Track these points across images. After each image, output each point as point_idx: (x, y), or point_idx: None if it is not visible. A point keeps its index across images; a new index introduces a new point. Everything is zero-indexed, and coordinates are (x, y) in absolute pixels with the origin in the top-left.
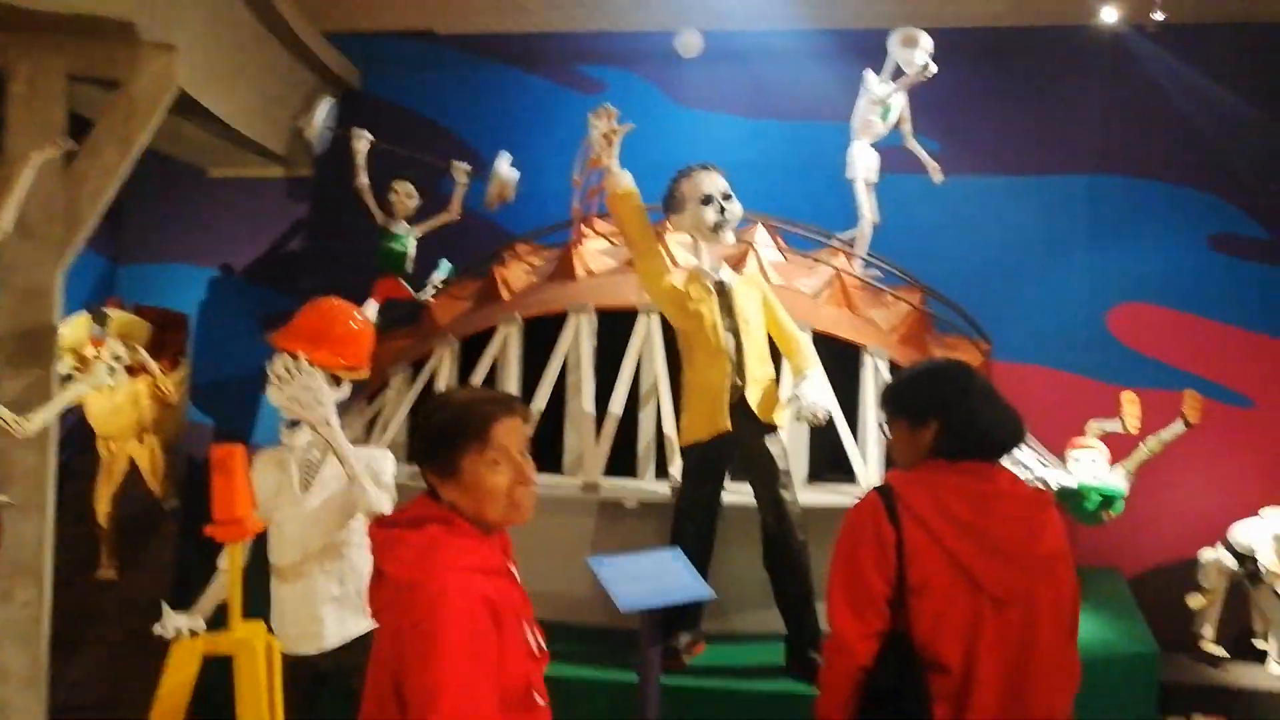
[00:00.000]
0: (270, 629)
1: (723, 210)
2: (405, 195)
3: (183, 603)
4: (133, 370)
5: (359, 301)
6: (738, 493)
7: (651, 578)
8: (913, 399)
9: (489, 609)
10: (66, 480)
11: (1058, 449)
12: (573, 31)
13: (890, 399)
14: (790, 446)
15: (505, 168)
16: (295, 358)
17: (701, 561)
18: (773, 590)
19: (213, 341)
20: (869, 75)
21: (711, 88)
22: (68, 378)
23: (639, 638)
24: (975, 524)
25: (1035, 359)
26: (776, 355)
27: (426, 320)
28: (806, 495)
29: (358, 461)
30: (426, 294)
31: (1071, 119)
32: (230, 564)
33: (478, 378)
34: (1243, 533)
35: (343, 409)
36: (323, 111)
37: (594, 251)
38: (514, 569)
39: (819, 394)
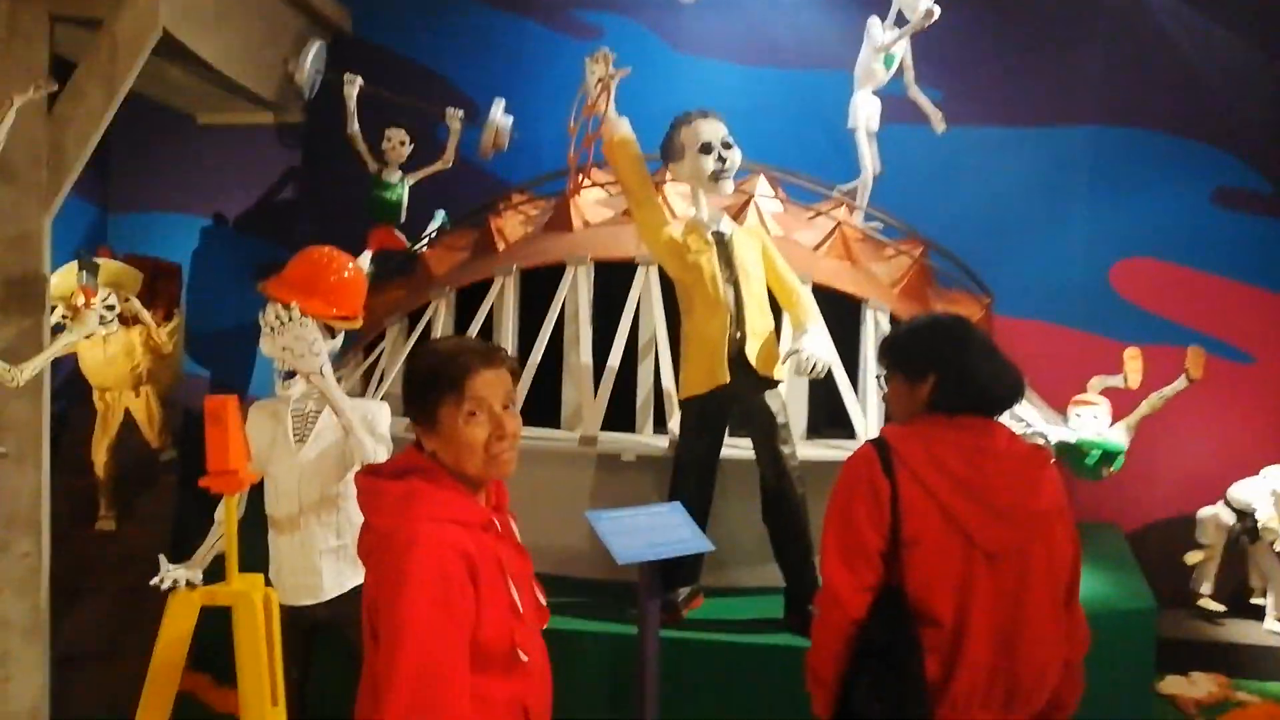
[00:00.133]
0: (268, 581)
1: (722, 159)
2: (398, 142)
3: (182, 554)
4: (125, 320)
5: (353, 251)
6: (737, 446)
7: (649, 531)
8: (910, 353)
9: (463, 561)
10: (64, 432)
11: (1059, 405)
12: None
13: (888, 352)
14: (790, 400)
15: (499, 115)
16: (287, 307)
17: (700, 515)
18: (771, 544)
19: (207, 292)
20: (874, 21)
21: (710, 34)
22: (59, 327)
23: (637, 591)
24: (969, 478)
25: (1037, 314)
26: (777, 309)
27: (422, 271)
28: (806, 450)
29: (353, 412)
30: (422, 244)
31: (1075, 69)
32: (226, 516)
33: (474, 330)
34: (1242, 490)
35: (339, 361)
36: (312, 55)
37: (591, 202)
38: (512, 524)
39: (819, 347)
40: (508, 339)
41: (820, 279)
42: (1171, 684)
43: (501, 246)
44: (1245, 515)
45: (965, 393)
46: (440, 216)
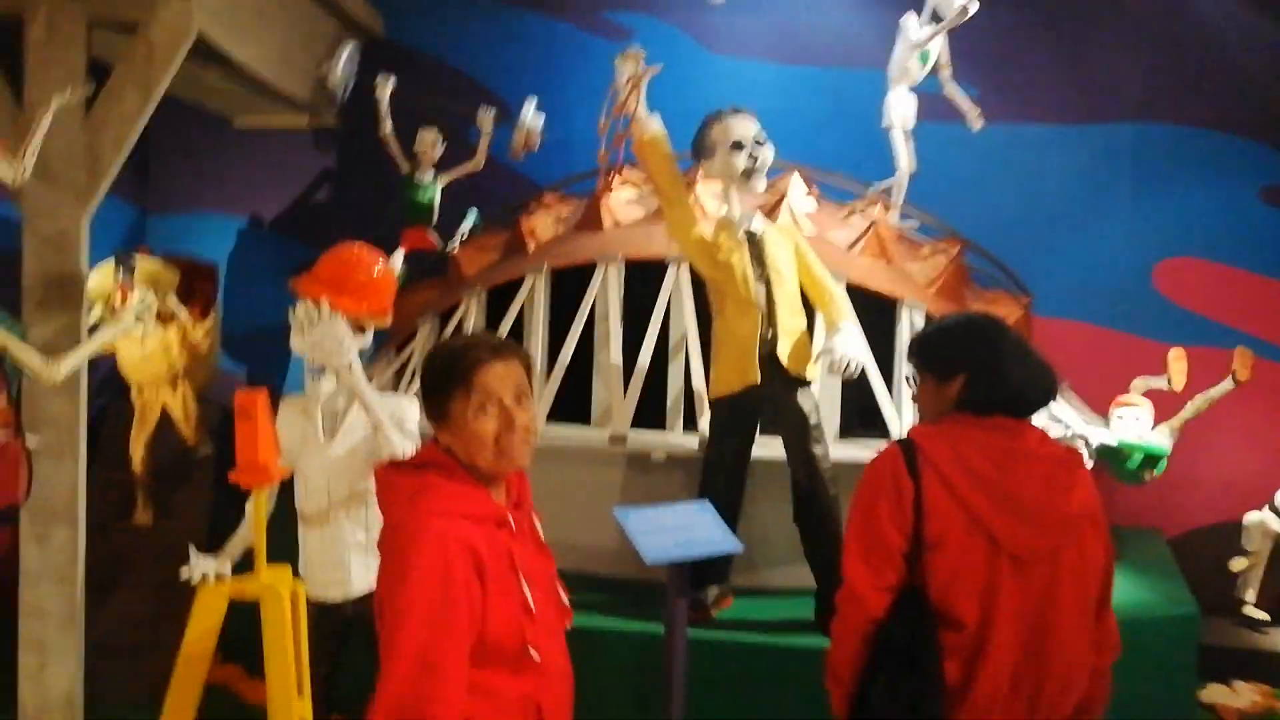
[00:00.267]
0: (297, 575)
1: (754, 157)
2: (430, 143)
3: (216, 549)
4: (163, 318)
5: (387, 252)
6: (768, 446)
7: (679, 530)
8: (941, 352)
9: (469, 555)
10: (103, 427)
11: (1102, 407)
12: None
13: (917, 350)
14: (822, 400)
15: (531, 115)
16: (317, 304)
17: (730, 515)
18: (802, 545)
19: (243, 291)
20: (909, 18)
21: (742, 33)
22: (96, 326)
23: (666, 590)
24: (996, 480)
25: (1078, 315)
26: (810, 309)
27: (453, 271)
28: (838, 450)
29: (381, 408)
30: (454, 244)
31: (1117, 64)
32: (255, 510)
33: (504, 329)
34: None
35: (372, 359)
36: (344, 57)
37: (622, 201)
38: (535, 522)
39: (852, 347)
40: (538, 338)
41: (855, 278)
42: (1214, 693)
43: (532, 246)
44: None
45: (995, 393)
46: (472, 216)
